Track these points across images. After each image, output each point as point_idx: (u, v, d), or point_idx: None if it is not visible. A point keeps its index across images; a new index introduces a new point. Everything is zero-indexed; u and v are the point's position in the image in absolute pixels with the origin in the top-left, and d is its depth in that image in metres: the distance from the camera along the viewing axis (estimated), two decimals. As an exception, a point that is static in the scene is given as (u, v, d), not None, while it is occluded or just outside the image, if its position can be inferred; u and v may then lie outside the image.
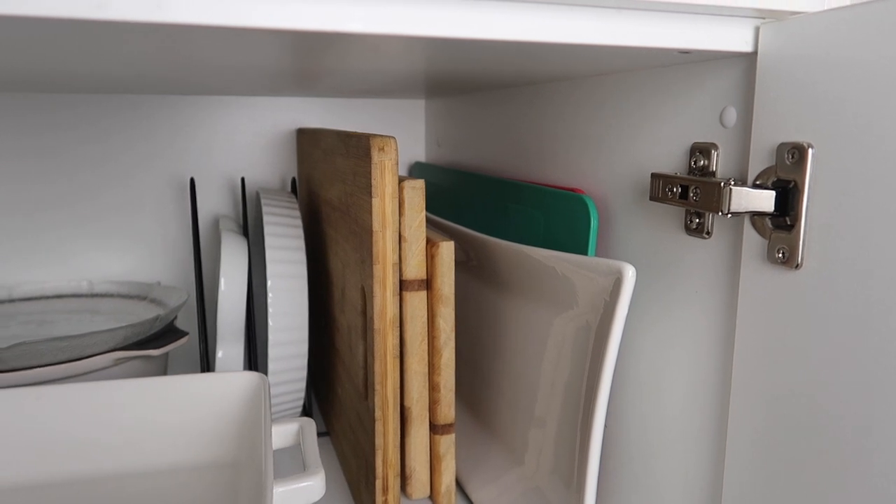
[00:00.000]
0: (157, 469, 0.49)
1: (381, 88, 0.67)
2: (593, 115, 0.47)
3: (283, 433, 0.43)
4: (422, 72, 0.48)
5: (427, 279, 0.52)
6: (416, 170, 0.83)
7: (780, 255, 0.31)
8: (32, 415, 0.47)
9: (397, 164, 0.43)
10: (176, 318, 0.65)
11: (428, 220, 0.67)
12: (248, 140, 0.79)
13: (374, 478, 0.47)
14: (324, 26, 0.25)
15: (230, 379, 0.49)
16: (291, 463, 0.59)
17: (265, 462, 0.36)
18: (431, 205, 0.76)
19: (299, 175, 0.77)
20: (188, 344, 0.81)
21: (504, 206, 0.58)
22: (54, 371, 0.53)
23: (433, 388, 0.53)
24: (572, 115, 0.50)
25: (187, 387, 0.49)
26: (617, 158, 0.45)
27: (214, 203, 0.79)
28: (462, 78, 0.53)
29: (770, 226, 0.32)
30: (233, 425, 0.50)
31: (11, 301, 0.71)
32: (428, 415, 0.53)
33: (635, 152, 0.43)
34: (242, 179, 0.69)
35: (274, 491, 0.35)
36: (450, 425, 0.53)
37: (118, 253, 0.77)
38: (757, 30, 0.32)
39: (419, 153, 0.86)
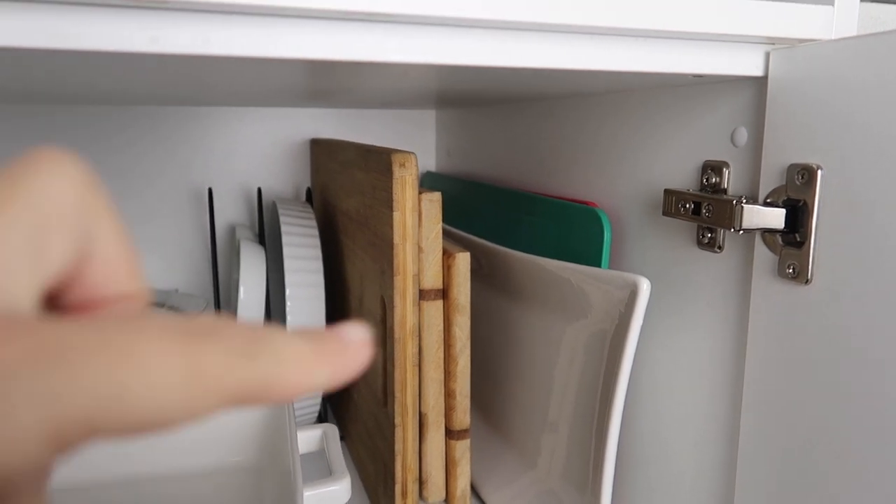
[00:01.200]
0: (179, 473, 0.50)
1: (393, 101, 0.69)
2: (606, 130, 0.49)
3: (307, 439, 0.45)
4: (435, 89, 0.49)
5: (443, 289, 0.53)
6: (427, 179, 0.85)
7: (791, 271, 0.33)
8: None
9: (417, 178, 0.45)
10: (195, 325, 0.66)
11: (443, 232, 0.68)
12: (262, 150, 0.81)
13: (394, 483, 0.48)
14: (362, 57, 0.27)
15: (253, 386, 0.51)
16: (314, 468, 0.60)
17: (294, 466, 0.38)
18: (442, 214, 0.77)
19: (314, 185, 0.79)
20: (203, 350, 0.82)
21: (516, 217, 0.60)
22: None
23: (449, 394, 0.54)
24: (584, 130, 0.52)
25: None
26: (629, 173, 0.46)
27: (229, 212, 0.80)
28: (475, 94, 0.54)
29: (780, 242, 0.34)
30: (255, 430, 0.51)
31: (32, 308, 0.73)
32: (444, 421, 0.55)
33: (647, 167, 0.44)
34: (259, 190, 0.71)
35: (304, 495, 0.37)
36: (465, 431, 0.55)
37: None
38: (767, 55, 0.34)
39: (430, 163, 0.87)
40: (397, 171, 0.44)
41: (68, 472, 0.49)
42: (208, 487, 0.48)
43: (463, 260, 0.53)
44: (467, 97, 0.60)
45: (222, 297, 0.81)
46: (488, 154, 0.71)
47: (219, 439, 0.51)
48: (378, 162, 0.48)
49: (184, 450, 0.51)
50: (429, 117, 0.86)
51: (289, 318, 0.59)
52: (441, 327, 0.53)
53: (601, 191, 0.50)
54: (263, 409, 0.51)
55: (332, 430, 0.45)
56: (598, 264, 0.46)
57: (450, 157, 0.82)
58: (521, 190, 0.61)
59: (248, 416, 0.51)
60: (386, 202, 0.46)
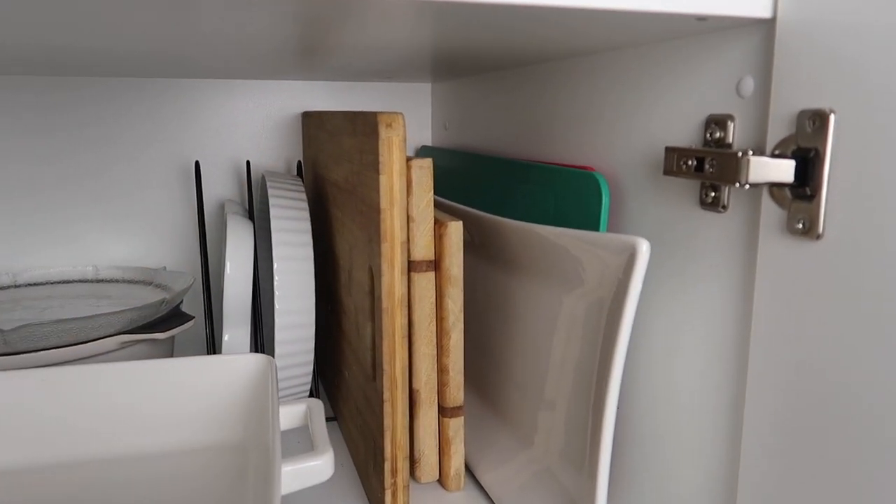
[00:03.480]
0: (164, 451, 0.48)
1: (386, 70, 0.67)
2: (603, 92, 0.47)
3: (291, 414, 0.43)
4: (429, 47, 0.47)
5: (435, 260, 0.51)
6: (423, 153, 0.83)
7: (801, 226, 0.31)
8: (38, 397, 0.47)
9: (405, 140, 0.43)
10: (181, 302, 0.65)
11: (435, 203, 0.66)
12: (252, 124, 0.78)
13: (383, 459, 0.46)
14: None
15: (238, 361, 0.49)
16: (299, 444, 0.58)
17: (273, 442, 0.36)
18: (439, 188, 0.75)
19: (305, 158, 0.77)
20: (193, 328, 0.81)
21: (512, 187, 0.57)
22: (59, 354, 0.52)
23: (442, 370, 0.52)
24: (581, 93, 0.50)
25: (195, 369, 0.48)
26: (627, 134, 0.44)
27: (219, 187, 0.78)
28: (470, 55, 0.52)
29: (790, 196, 0.31)
30: (240, 407, 0.49)
31: (16, 286, 0.71)
32: (436, 398, 0.53)
33: (647, 127, 0.42)
34: (248, 163, 0.68)
35: (282, 470, 0.35)
36: (459, 408, 0.53)
37: (122, 236, 0.76)
38: (776, -6, 0.31)
39: (426, 137, 0.85)
40: (383, 132, 0.42)
41: (49, 449, 0.47)
42: (193, 466, 0.47)
43: (455, 229, 0.50)
44: (461, 63, 0.58)
45: (212, 274, 0.79)
46: (484, 125, 0.69)
47: (203, 417, 0.49)
48: (365, 124, 0.46)
49: (167, 428, 0.49)
50: (424, 91, 0.84)
51: (276, 292, 0.57)
52: (433, 300, 0.51)
53: (598, 155, 0.48)
54: (247, 386, 0.49)
55: (316, 405, 0.43)
56: (596, 230, 0.44)
57: (446, 130, 0.79)
58: (517, 159, 0.59)
59: (232, 394, 0.49)
60: (373, 165, 0.44)
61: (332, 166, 0.60)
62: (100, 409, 0.48)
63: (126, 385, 0.48)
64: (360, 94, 0.81)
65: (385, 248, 0.43)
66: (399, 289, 0.44)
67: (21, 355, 0.51)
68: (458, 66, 0.62)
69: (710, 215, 0.37)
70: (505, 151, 0.64)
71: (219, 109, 0.77)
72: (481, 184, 0.64)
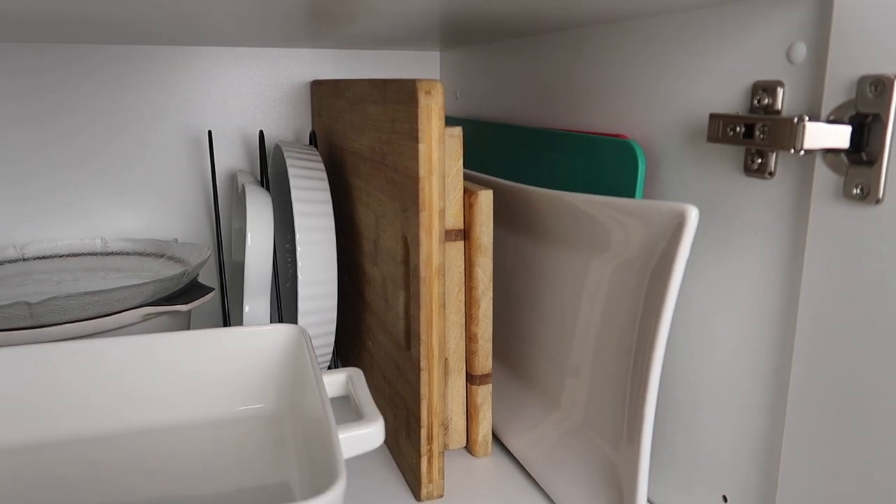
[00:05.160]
0: (198, 421, 0.48)
1: (395, 37, 0.66)
2: (641, 59, 0.46)
3: (331, 383, 0.43)
4: (447, 10, 0.46)
5: (465, 229, 0.51)
6: (432, 123, 0.82)
7: (858, 191, 0.31)
8: (70, 370, 0.46)
9: (444, 108, 0.42)
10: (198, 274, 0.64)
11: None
12: (260, 93, 0.77)
13: (419, 427, 0.46)
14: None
15: (270, 331, 0.48)
16: (337, 413, 0.58)
17: (325, 410, 0.36)
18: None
19: (316, 128, 0.76)
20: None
21: (538, 156, 0.57)
22: (83, 327, 0.52)
23: (470, 338, 0.53)
24: (612, 59, 0.49)
25: (227, 340, 0.48)
26: (665, 102, 0.44)
27: (227, 157, 0.77)
28: (484, 19, 0.51)
29: (846, 161, 0.32)
30: (274, 377, 0.49)
31: (24, 260, 0.70)
32: (465, 365, 0.53)
33: (687, 94, 0.42)
34: (261, 132, 0.67)
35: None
36: (487, 375, 0.53)
37: (128, 208, 0.75)
38: (835, -41, 0.31)
39: (433, 106, 0.84)
40: (423, 100, 0.41)
41: (82, 422, 0.47)
42: (229, 435, 0.47)
43: (486, 198, 0.50)
44: (476, 26, 0.57)
45: (224, 246, 0.78)
46: (501, 94, 0.68)
47: (236, 387, 0.49)
48: (399, 92, 0.45)
49: (201, 398, 0.49)
50: (433, 59, 0.83)
51: (300, 263, 0.56)
52: (462, 269, 0.51)
53: (632, 122, 0.47)
54: (281, 355, 0.49)
55: (356, 373, 0.43)
56: (631, 198, 0.44)
57: (458, 99, 0.79)
58: (540, 127, 0.58)
59: (266, 364, 0.49)
60: (409, 134, 0.43)
61: (352, 135, 0.59)
62: (133, 381, 0.47)
63: (158, 356, 0.48)
64: (369, 63, 0.80)
65: (423, 216, 0.43)
66: (437, 257, 0.44)
67: (45, 328, 0.51)
68: (471, 33, 0.61)
69: (755, 182, 0.38)
70: (524, 120, 0.64)
71: (225, 78, 0.75)
72: (501, 153, 0.64)
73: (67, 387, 0.46)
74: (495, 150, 0.65)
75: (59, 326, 0.51)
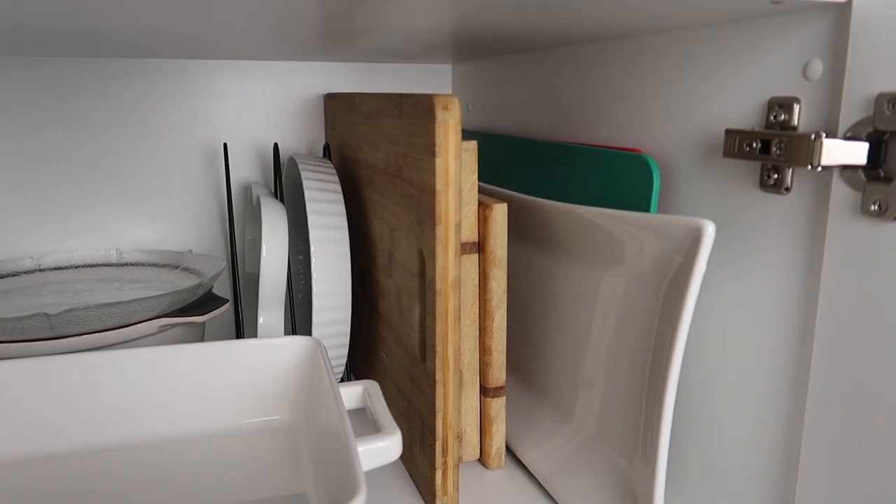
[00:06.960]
0: (213, 433, 0.49)
1: (408, 51, 0.66)
2: (653, 73, 0.47)
3: (348, 396, 0.43)
4: (458, 27, 0.46)
5: (479, 242, 0.51)
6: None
7: (876, 207, 0.31)
8: (87, 381, 0.47)
9: (460, 123, 0.43)
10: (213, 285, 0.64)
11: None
12: (275, 106, 0.78)
13: (434, 439, 0.47)
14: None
15: (286, 343, 0.49)
16: (354, 425, 0.58)
17: (343, 422, 0.36)
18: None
19: (330, 140, 0.76)
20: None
21: (550, 169, 0.57)
22: (101, 338, 0.52)
23: (484, 351, 0.53)
24: (627, 74, 0.50)
25: (243, 352, 0.49)
26: (680, 117, 0.44)
27: (241, 169, 0.78)
28: (504, 36, 0.52)
29: (864, 178, 0.32)
30: (289, 389, 0.49)
31: (41, 271, 0.70)
32: (479, 378, 0.53)
33: (702, 110, 0.42)
34: (276, 145, 0.68)
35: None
36: (501, 388, 0.53)
37: (143, 220, 0.76)
38: (852, -23, 0.32)
39: (445, 119, 0.85)
40: (440, 115, 0.42)
41: (97, 434, 0.47)
42: (244, 447, 0.47)
43: (500, 211, 0.51)
44: (488, 41, 0.57)
45: (238, 258, 0.78)
46: (513, 107, 0.69)
47: (251, 399, 0.49)
48: (415, 107, 0.45)
49: (217, 410, 0.49)
50: (445, 72, 0.83)
51: (314, 275, 0.57)
52: (476, 282, 0.52)
53: (647, 137, 0.48)
54: (296, 368, 0.49)
55: (373, 385, 0.43)
56: (646, 213, 0.45)
57: (470, 111, 0.79)
58: (553, 141, 0.59)
59: (281, 376, 0.49)
60: (425, 148, 0.44)
61: (366, 149, 0.60)
62: (148, 393, 0.48)
63: (174, 368, 0.48)
64: (381, 75, 0.81)
65: (440, 230, 0.44)
66: (453, 271, 0.45)
67: (62, 340, 0.51)
68: (483, 47, 0.61)
69: (771, 197, 0.38)
70: (536, 133, 0.64)
71: (239, 91, 0.76)
72: (513, 166, 0.64)
73: (82, 398, 0.47)
74: (507, 163, 0.66)
75: (77, 337, 0.51)
